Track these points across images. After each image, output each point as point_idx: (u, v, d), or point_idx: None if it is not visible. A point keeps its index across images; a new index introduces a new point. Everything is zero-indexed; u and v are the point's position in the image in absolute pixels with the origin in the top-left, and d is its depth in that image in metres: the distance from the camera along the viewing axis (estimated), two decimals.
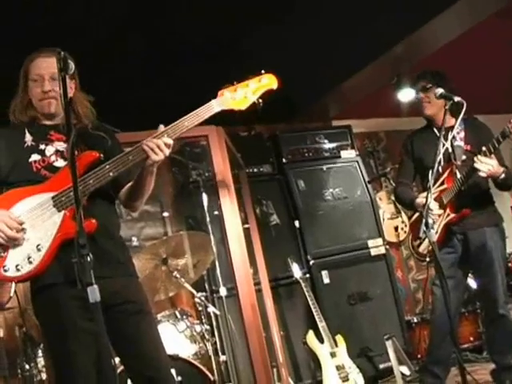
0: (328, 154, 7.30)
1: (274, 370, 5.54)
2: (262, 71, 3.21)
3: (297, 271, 6.36)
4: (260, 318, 4.73)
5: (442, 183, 4.63)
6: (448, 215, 4.57)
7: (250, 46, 5.43)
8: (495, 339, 4.65)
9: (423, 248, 4.75)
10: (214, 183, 4.64)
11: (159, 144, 3.02)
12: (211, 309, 5.51)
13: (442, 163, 4.58)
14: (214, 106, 3.13)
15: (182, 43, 5.33)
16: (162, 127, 3.09)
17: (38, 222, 2.96)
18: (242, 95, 3.16)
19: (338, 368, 5.83)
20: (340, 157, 7.28)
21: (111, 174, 2.99)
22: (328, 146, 7.31)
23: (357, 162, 7.28)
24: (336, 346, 6.00)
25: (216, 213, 5.55)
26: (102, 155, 3.09)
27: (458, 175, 4.53)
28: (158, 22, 5.06)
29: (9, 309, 5.75)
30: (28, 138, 3.17)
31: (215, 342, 5.56)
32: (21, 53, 3.25)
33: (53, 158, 3.13)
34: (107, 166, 3.00)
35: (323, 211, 6.98)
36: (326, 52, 5.81)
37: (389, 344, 5.93)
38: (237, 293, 4.55)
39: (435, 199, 4.63)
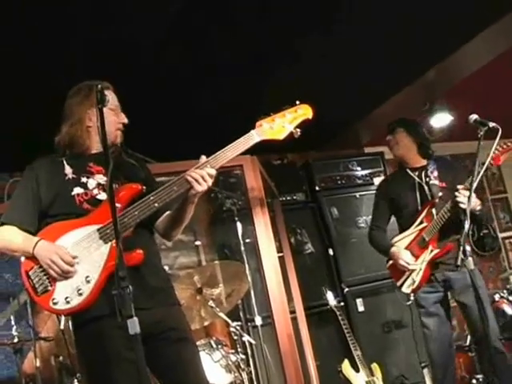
0: (361, 180, 7.31)
1: None
2: (297, 102, 3.24)
3: (331, 299, 6.34)
4: (296, 346, 4.70)
5: (421, 222, 4.66)
6: (431, 251, 4.58)
7: (282, 73, 5.45)
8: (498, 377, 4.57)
9: (406, 288, 4.75)
10: (249, 211, 4.65)
11: (203, 175, 3.03)
12: (246, 338, 5.50)
13: (420, 202, 4.75)
14: (254, 136, 3.16)
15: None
16: (203, 158, 3.09)
17: (84, 254, 2.97)
18: (279, 125, 3.20)
19: None
20: (373, 184, 7.25)
21: (156, 204, 3.00)
22: (361, 172, 7.31)
23: None
24: (372, 374, 5.95)
25: (248, 240, 5.56)
26: (144, 187, 3.12)
27: (434, 212, 4.62)
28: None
29: (44, 338, 5.80)
30: (68, 170, 3.17)
31: (250, 372, 5.53)
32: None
33: (95, 191, 3.13)
34: (151, 198, 3.00)
35: (357, 239, 6.96)
36: (357, 79, 5.82)
37: (426, 372, 5.87)
38: (273, 322, 4.53)
39: (415, 238, 4.69)
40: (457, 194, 4.35)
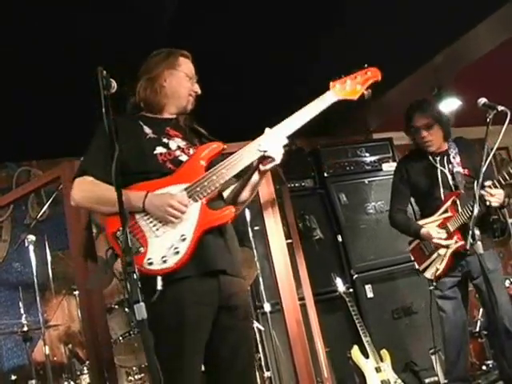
0: (369, 167, 7.29)
1: None
2: (366, 65, 3.27)
3: (340, 286, 6.34)
4: (305, 333, 4.69)
5: (446, 211, 4.61)
6: (456, 242, 4.54)
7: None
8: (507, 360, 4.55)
9: (430, 274, 4.72)
10: (257, 198, 4.63)
11: (278, 149, 3.05)
12: (255, 324, 5.50)
13: (443, 190, 4.67)
14: (330, 96, 3.16)
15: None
16: (268, 130, 3.08)
17: None
18: (352, 86, 3.21)
19: (384, 383, 5.78)
20: (381, 169, 7.25)
21: (242, 163, 3.03)
22: (369, 159, 7.30)
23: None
24: (381, 360, 5.96)
25: (256, 228, 5.56)
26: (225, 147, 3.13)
27: (459, 202, 4.56)
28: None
29: (54, 326, 5.82)
30: (148, 130, 3.15)
31: (260, 358, 5.55)
32: None
33: (178, 152, 3.10)
34: (235, 157, 3.03)
35: (365, 225, 6.96)
36: (364, 64, 5.79)
37: (434, 358, 5.86)
38: (281, 308, 4.53)
39: (439, 226, 4.65)
40: (484, 192, 4.22)
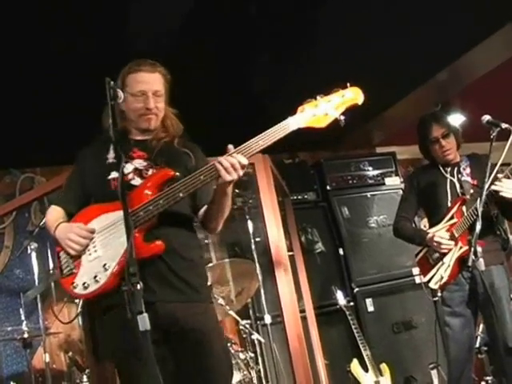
0: (372, 181, 7.31)
1: None
2: (348, 84, 2.99)
3: (341, 299, 6.34)
4: (305, 346, 4.69)
5: (452, 218, 4.60)
6: (461, 248, 4.52)
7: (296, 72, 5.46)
8: (507, 377, 4.53)
9: (433, 284, 4.70)
10: (260, 210, 4.64)
11: (233, 163, 2.86)
12: (256, 336, 5.50)
13: (450, 198, 4.64)
14: (290, 125, 2.94)
15: None
16: (231, 147, 2.93)
17: (109, 240, 2.96)
18: (323, 111, 2.95)
19: None
20: (384, 184, 7.27)
21: (181, 194, 2.89)
22: (372, 172, 7.31)
23: (401, 189, 7.22)
24: (381, 374, 5.95)
25: (258, 239, 5.57)
26: (177, 174, 3.03)
27: (465, 209, 4.51)
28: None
29: (54, 334, 5.82)
30: (111, 154, 3.14)
31: (259, 370, 5.55)
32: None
33: (130, 176, 3.08)
34: (177, 187, 2.91)
35: (367, 239, 6.97)
36: (368, 79, 5.80)
37: (434, 373, 5.86)
38: (282, 321, 4.52)
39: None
40: (497, 182, 4.22)
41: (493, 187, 4.21)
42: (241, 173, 2.89)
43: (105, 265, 2.93)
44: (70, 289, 2.99)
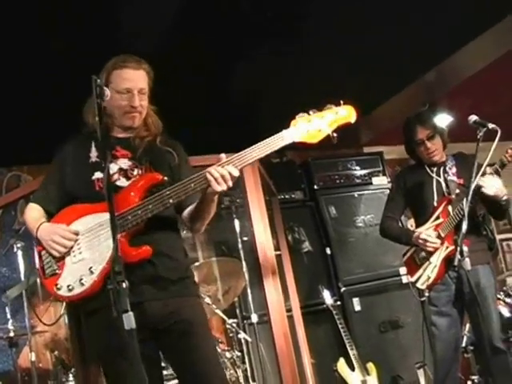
0: (359, 180, 7.32)
1: None
2: (341, 101, 2.99)
3: (328, 298, 6.35)
4: (292, 345, 4.69)
5: (437, 217, 4.61)
6: (447, 248, 4.53)
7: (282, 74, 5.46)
8: (493, 377, 4.54)
9: (421, 283, 4.70)
10: (247, 209, 4.63)
11: (224, 174, 2.83)
12: (242, 335, 5.50)
13: (436, 198, 4.65)
14: (284, 138, 2.93)
15: None
16: (223, 156, 2.91)
17: (94, 242, 2.93)
18: (316, 128, 2.93)
19: None
20: (371, 183, 7.28)
21: (171, 200, 2.88)
22: (359, 172, 7.33)
23: (388, 188, 7.24)
24: (367, 374, 5.97)
25: (245, 238, 5.56)
26: (166, 178, 3.02)
27: (451, 208, 4.52)
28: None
29: (40, 332, 5.79)
30: (93, 153, 3.12)
31: (246, 369, 5.54)
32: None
33: (115, 176, 3.04)
34: (167, 193, 2.88)
35: (354, 238, 6.98)
36: (357, 79, 5.82)
37: (420, 373, 5.87)
38: (269, 320, 4.51)
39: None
40: (480, 179, 4.19)
41: (477, 181, 4.20)
42: (231, 184, 2.87)
43: (91, 268, 2.90)
44: (53, 290, 2.96)
